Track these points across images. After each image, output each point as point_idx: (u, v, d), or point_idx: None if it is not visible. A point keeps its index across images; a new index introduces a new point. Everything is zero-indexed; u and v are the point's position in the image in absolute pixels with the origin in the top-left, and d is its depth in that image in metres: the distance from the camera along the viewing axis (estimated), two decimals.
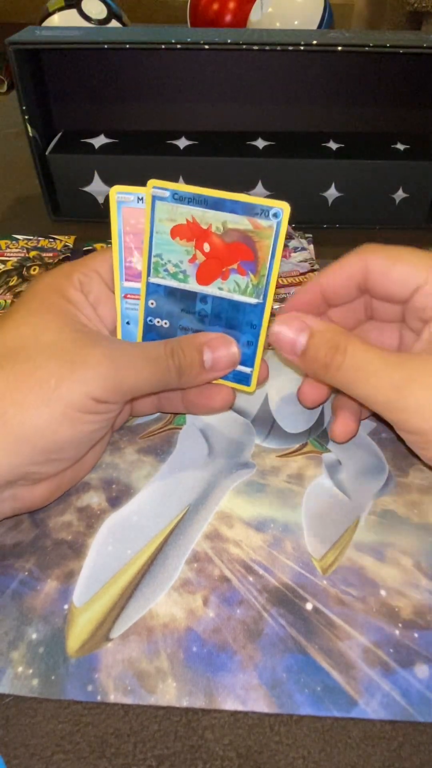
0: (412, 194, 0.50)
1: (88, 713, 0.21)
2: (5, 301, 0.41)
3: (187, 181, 0.50)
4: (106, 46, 0.42)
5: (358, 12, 2.00)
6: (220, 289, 0.26)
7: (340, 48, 0.42)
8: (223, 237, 0.25)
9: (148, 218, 0.26)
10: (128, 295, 0.28)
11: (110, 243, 0.48)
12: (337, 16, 0.87)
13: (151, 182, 0.25)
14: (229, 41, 0.42)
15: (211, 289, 0.26)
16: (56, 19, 0.76)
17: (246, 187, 0.50)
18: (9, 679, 0.22)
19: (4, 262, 0.45)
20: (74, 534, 0.27)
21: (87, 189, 0.50)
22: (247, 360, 0.28)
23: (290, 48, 0.42)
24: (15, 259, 0.46)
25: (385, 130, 0.55)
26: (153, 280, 0.27)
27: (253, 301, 0.26)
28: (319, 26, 0.82)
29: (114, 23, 0.78)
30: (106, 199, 0.51)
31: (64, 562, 0.26)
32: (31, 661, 0.22)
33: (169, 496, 0.28)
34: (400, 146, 0.50)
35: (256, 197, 0.24)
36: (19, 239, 0.48)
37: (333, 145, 0.51)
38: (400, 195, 0.50)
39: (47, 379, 0.22)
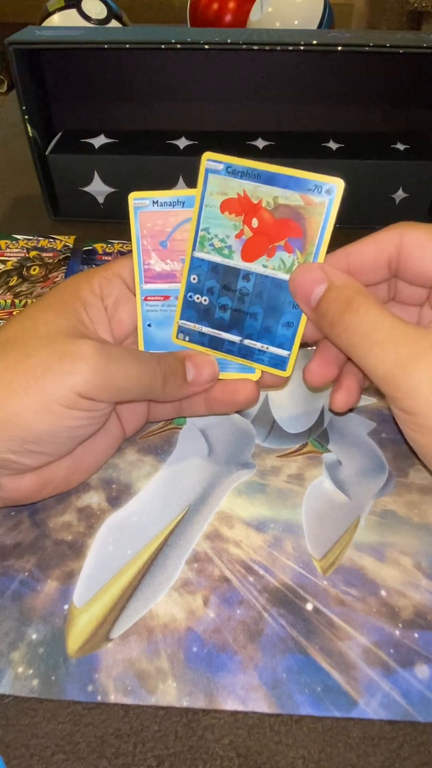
0: (412, 194, 0.50)
1: (88, 713, 0.21)
2: (5, 301, 0.41)
3: (187, 182, 0.50)
4: (106, 46, 0.42)
5: (358, 12, 2.00)
6: (265, 266, 0.26)
7: (340, 48, 0.42)
8: (273, 212, 0.25)
9: (199, 191, 0.25)
10: (148, 297, 0.28)
11: (110, 242, 0.48)
12: (337, 16, 0.87)
13: (206, 155, 0.25)
14: (229, 41, 0.42)
15: (256, 266, 0.26)
16: (56, 19, 0.76)
17: None
18: (9, 679, 0.22)
19: (4, 262, 0.45)
20: (74, 534, 0.27)
21: (87, 189, 0.50)
22: (286, 342, 0.27)
23: (290, 48, 0.42)
24: (15, 259, 0.46)
25: (385, 130, 0.55)
26: (197, 254, 0.26)
27: None
28: (319, 26, 0.82)
29: (114, 23, 0.78)
30: (106, 198, 0.51)
31: (64, 562, 0.26)
32: (31, 661, 0.22)
33: (169, 496, 0.28)
34: (400, 146, 0.50)
35: (311, 173, 0.24)
36: (19, 239, 0.48)
37: (333, 145, 0.51)
38: (400, 195, 0.50)
39: (34, 368, 0.22)
